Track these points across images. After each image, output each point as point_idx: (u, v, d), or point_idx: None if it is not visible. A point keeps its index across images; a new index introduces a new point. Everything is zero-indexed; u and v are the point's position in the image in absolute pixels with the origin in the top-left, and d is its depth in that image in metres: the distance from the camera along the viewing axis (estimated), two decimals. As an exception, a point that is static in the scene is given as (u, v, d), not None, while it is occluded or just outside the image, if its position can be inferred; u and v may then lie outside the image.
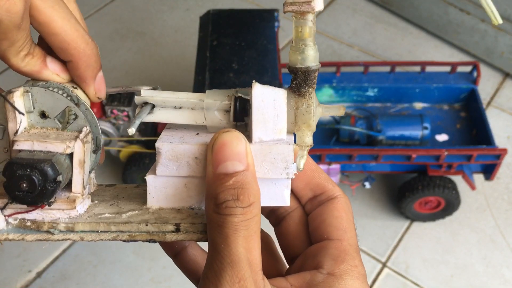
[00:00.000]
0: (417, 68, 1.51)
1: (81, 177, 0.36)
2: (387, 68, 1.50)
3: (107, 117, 1.41)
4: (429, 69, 1.49)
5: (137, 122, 0.34)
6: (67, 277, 1.33)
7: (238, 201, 0.30)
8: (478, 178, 1.43)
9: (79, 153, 0.35)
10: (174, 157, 0.34)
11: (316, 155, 1.30)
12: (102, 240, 0.36)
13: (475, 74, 1.45)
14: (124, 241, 0.36)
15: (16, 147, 0.34)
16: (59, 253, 1.37)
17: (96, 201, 0.38)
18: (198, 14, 1.54)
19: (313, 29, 0.33)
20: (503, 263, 1.37)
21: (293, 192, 0.37)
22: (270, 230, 0.40)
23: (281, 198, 0.35)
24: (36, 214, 0.35)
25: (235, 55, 1.31)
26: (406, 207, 1.38)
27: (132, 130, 0.34)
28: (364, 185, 1.39)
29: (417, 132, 1.36)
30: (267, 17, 1.44)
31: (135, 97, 0.36)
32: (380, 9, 1.97)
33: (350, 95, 1.48)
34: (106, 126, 1.38)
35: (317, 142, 1.42)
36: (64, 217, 0.36)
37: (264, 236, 0.39)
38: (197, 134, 0.35)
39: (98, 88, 0.37)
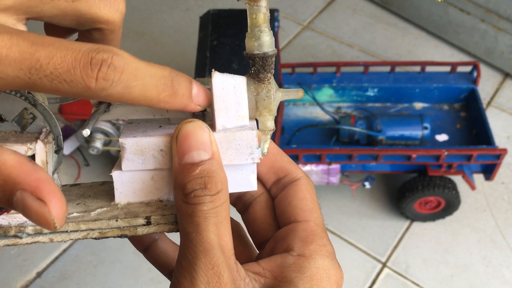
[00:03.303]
0: (417, 68, 1.51)
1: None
2: (387, 68, 1.50)
3: (107, 117, 1.41)
4: (429, 69, 1.49)
5: (91, 123, 0.34)
6: (67, 277, 1.33)
7: (206, 190, 0.31)
8: (478, 178, 1.43)
9: (41, 154, 0.34)
10: (139, 151, 0.34)
11: (316, 155, 1.30)
12: (72, 239, 0.35)
13: (475, 74, 1.45)
14: (95, 238, 0.35)
15: None
16: (59, 253, 1.37)
17: None
18: (198, 14, 1.54)
19: (267, 15, 0.34)
20: (503, 263, 1.37)
21: (257, 177, 0.37)
22: (238, 218, 0.41)
23: (248, 183, 0.36)
24: (2, 219, 0.34)
25: (235, 55, 1.31)
26: (406, 207, 1.38)
27: (86, 132, 0.33)
28: (364, 185, 1.39)
29: (417, 132, 1.36)
30: (267, 17, 1.43)
31: (91, 101, 0.35)
32: (380, 9, 1.97)
33: (350, 95, 1.48)
34: (106, 126, 1.38)
35: (317, 142, 1.42)
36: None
37: (234, 224, 0.39)
38: (160, 126, 0.35)
39: (197, 104, 0.35)
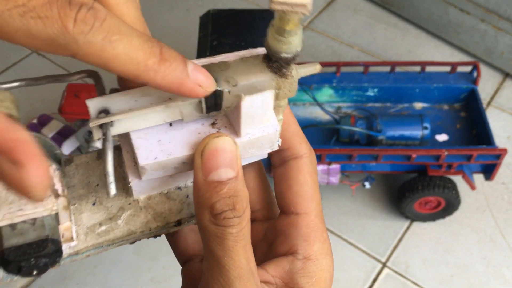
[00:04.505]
0: (417, 68, 1.51)
1: (67, 215, 0.33)
2: (387, 68, 1.50)
3: (107, 117, 1.41)
4: (429, 69, 1.49)
5: (113, 179, 0.30)
6: (67, 277, 1.34)
7: (235, 211, 0.30)
8: (478, 178, 1.43)
9: (63, 203, 0.32)
10: (160, 167, 0.32)
11: (316, 155, 1.30)
12: (107, 250, 0.35)
13: (475, 74, 1.45)
14: (130, 243, 0.35)
15: None
16: (59, 253, 1.37)
17: (75, 203, 0.34)
18: (198, 14, 1.54)
19: (301, 17, 0.29)
20: (503, 263, 1.37)
21: None
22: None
23: (261, 155, 0.36)
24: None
25: (235, 55, 1.31)
26: (406, 207, 1.38)
27: (114, 192, 0.30)
28: (364, 185, 1.39)
29: (417, 132, 1.36)
30: (267, 17, 1.44)
31: (90, 123, 0.31)
32: (380, 9, 1.97)
33: (350, 95, 1.48)
34: (106, 126, 1.38)
35: (317, 142, 1.42)
36: (65, 249, 0.33)
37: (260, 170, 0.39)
38: (171, 125, 0.32)
39: (197, 82, 0.29)
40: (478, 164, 1.35)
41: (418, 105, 1.49)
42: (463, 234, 1.42)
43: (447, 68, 1.48)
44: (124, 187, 0.35)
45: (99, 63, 0.25)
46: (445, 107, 1.50)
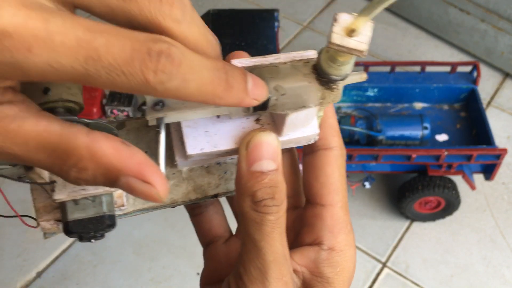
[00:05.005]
0: (417, 68, 1.51)
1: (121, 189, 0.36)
2: (387, 68, 1.50)
3: (107, 117, 1.41)
4: (429, 69, 1.49)
5: (163, 171, 0.32)
6: (67, 277, 1.34)
7: (274, 200, 0.32)
8: (478, 178, 1.43)
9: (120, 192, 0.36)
10: (204, 155, 0.35)
11: (316, 155, 1.30)
12: (150, 212, 0.38)
13: (475, 74, 1.45)
14: (171, 207, 0.38)
15: (59, 201, 0.34)
16: (59, 253, 1.37)
17: None
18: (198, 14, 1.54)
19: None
20: (503, 263, 1.37)
21: None
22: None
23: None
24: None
25: (235, 55, 1.31)
26: (406, 207, 1.38)
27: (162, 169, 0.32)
28: (364, 185, 1.39)
29: (417, 132, 1.36)
30: (267, 17, 1.44)
31: (146, 116, 0.33)
32: (380, 9, 1.97)
33: (350, 95, 1.48)
34: (106, 126, 1.38)
35: (317, 142, 1.42)
36: (116, 211, 0.37)
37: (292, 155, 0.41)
38: (218, 116, 0.35)
39: (254, 97, 0.30)
40: (478, 164, 1.35)
41: (418, 105, 1.49)
42: (463, 234, 1.42)
43: (447, 68, 1.48)
44: (170, 156, 0.37)
45: (172, 99, 0.29)
46: (445, 107, 1.50)
